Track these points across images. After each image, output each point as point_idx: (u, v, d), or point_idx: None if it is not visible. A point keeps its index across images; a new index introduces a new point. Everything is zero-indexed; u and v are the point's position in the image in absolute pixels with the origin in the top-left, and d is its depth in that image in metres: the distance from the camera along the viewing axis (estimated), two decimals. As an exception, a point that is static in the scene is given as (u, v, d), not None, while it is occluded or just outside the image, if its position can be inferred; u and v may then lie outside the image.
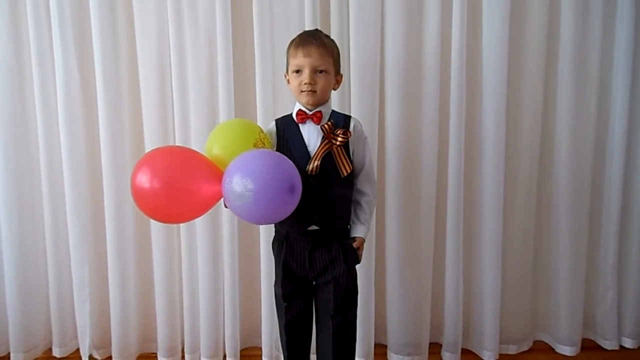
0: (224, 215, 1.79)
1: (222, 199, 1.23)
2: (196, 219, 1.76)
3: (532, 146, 1.85)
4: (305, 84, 1.33)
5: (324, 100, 1.40)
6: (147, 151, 1.78)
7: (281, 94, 1.75)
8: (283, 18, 1.73)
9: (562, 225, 1.88)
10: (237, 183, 1.14)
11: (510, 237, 1.88)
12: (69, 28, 1.72)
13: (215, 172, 1.24)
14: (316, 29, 1.46)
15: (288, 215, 1.21)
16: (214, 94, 1.75)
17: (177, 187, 1.17)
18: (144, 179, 1.16)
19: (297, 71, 1.36)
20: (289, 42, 1.41)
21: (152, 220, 1.82)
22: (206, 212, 1.29)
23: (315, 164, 1.32)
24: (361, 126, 1.44)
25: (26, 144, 1.85)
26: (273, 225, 1.49)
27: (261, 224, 1.24)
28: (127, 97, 1.79)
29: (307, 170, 1.32)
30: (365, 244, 1.47)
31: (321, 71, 1.35)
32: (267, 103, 1.74)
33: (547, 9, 1.77)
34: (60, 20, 1.70)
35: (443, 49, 1.73)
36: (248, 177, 1.13)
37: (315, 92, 1.35)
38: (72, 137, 1.78)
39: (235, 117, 1.75)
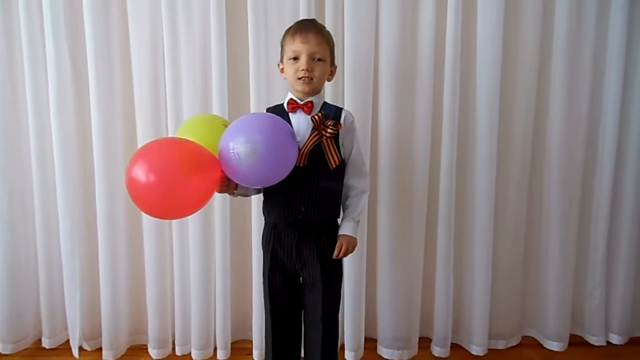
0: (216, 208, 1.79)
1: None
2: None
3: (524, 143, 1.86)
4: (302, 70, 1.32)
5: (319, 89, 1.39)
6: (139, 144, 1.80)
7: (274, 86, 1.74)
8: (277, 10, 1.72)
9: (552, 222, 1.89)
10: (243, 142, 1.17)
11: (500, 234, 1.90)
12: (61, 19, 1.71)
13: (210, 159, 1.22)
14: (313, 18, 1.46)
15: (292, 166, 1.23)
16: (207, 86, 1.75)
17: (174, 181, 1.14)
18: (140, 174, 1.13)
19: (294, 58, 1.34)
20: (284, 32, 1.40)
21: (143, 212, 1.82)
22: (205, 203, 1.26)
23: (304, 154, 1.30)
24: (353, 118, 1.43)
25: (17, 136, 1.83)
26: (263, 217, 1.48)
27: (270, 180, 1.24)
28: (119, 89, 1.78)
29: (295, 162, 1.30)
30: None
31: (318, 59, 1.34)
32: (261, 95, 1.74)
33: (542, 6, 1.78)
34: (52, 11, 1.69)
35: (437, 44, 1.74)
36: (250, 132, 1.18)
37: (312, 79, 1.33)
38: (63, 129, 1.77)
39: (228, 109, 1.74)
